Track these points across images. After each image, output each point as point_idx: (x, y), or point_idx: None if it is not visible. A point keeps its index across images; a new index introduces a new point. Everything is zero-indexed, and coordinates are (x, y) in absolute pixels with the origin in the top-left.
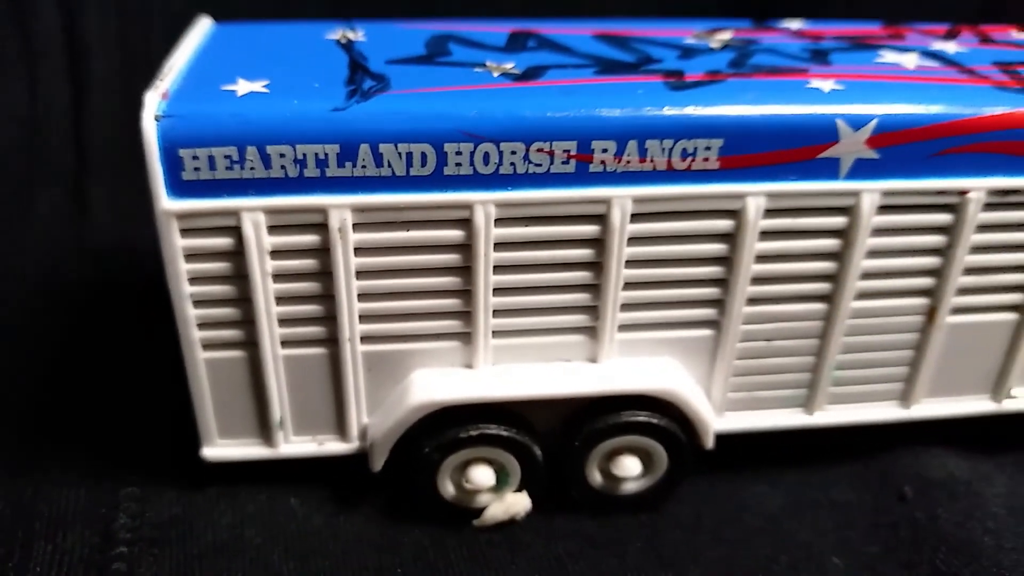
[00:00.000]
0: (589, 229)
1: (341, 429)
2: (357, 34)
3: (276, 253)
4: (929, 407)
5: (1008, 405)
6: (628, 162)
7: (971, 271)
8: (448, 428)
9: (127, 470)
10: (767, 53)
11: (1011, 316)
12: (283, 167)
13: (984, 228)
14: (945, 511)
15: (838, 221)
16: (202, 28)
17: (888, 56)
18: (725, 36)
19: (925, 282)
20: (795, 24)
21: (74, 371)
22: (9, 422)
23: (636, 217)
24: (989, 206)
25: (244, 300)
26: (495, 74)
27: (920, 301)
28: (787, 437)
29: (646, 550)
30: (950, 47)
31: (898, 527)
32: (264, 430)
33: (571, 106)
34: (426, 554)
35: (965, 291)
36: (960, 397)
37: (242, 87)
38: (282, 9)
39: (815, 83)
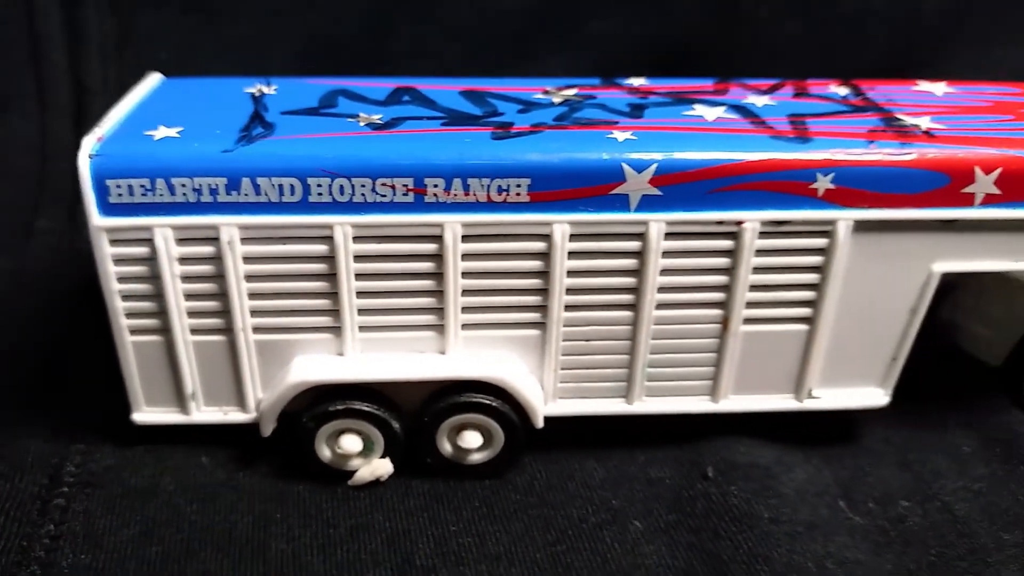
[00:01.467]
0: (430, 247)
1: (241, 402)
2: (270, 88)
3: (183, 260)
4: (736, 402)
5: (809, 404)
6: (455, 195)
7: (756, 288)
8: (322, 403)
9: (77, 429)
10: (594, 108)
11: (802, 327)
12: (184, 194)
13: (763, 252)
14: (738, 489)
15: (634, 245)
16: (150, 82)
17: (698, 109)
18: (569, 92)
19: (718, 296)
20: (637, 81)
21: (44, 350)
22: None
23: (467, 238)
24: (764, 234)
25: (159, 296)
26: (361, 124)
27: (715, 312)
28: (625, 422)
29: (480, 507)
30: (760, 100)
31: (696, 500)
32: (180, 401)
33: (411, 151)
34: (305, 504)
35: (754, 304)
36: (765, 395)
37: (160, 132)
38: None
39: (615, 134)
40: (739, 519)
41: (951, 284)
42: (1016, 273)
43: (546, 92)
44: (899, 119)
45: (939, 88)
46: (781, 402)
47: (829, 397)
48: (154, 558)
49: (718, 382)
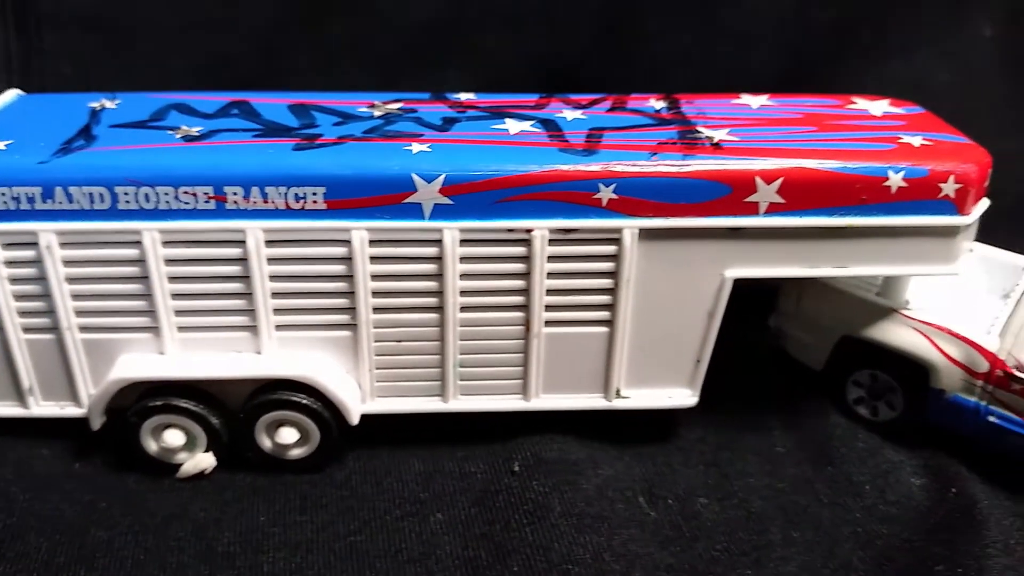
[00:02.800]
0: (235, 251)
1: (75, 397)
2: (113, 103)
3: (8, 263)
4: (547, 401)
5: (619, 403)
6: (255, 202)
7: (554, 292)
8: (144, 399)
9: None
10: (408, 121)
11: (602, 329)
12: (4, 202)
13: (555, 259)
14: (539, 484)
15: (432, 251)
16: (4, 98)
17: (507, 123)
18: (393, 107)
19: (518, 300)
20: (465, 96)
21: None
22: None
23: (270, 243)
24: (554, 241)
25: (28, 296)
26: (178, 136)
27: (518, 315)
28: (452, 420)
29: (295, 500)
30: (572, 115)
31: (499, 494)
32: (19, 395)
33: (213, 161)
34: (131, 495)
35: (553, 308)
36: (575, 394)
37: None
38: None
39: (413, 146)
40: (532, 512)
41: (775, 290)
42: (826, 279)
43: (372, 106)
44: (697, 132)
45: (757, 101)
46: (591, 401)
47: (638, 397)
48: None
49: (527, 382)
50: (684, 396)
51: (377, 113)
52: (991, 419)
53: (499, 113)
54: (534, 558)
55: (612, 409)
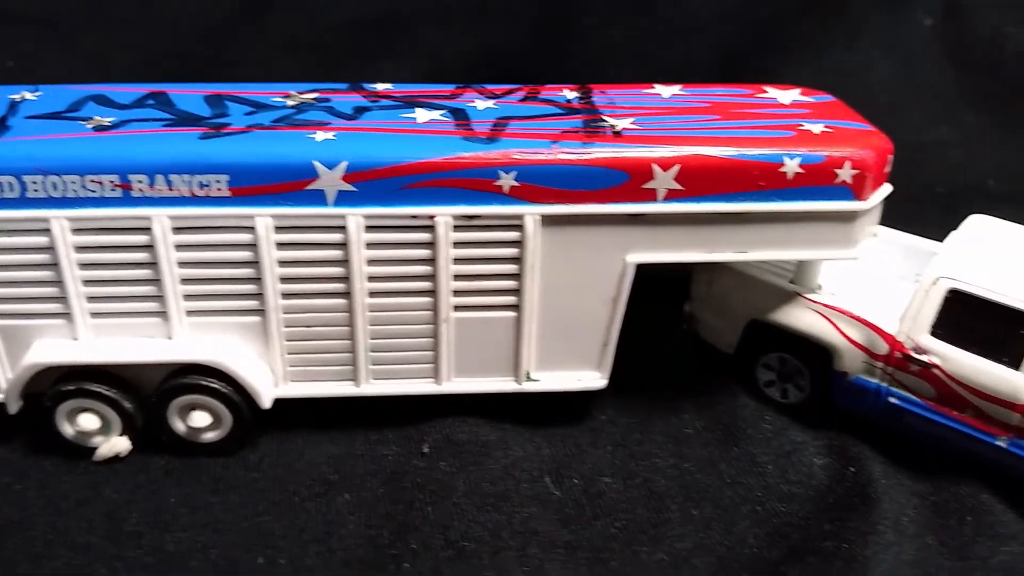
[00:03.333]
0: (142, 238)
1: None
2: (34, 95)
3: None
4: (459, 384)
5: (529, 386)
6: (160, 190)
7: (461, 277)
8: (59, 384)
9: None
10: (319, 111)
11: (510, 314)
12: None
13: (460, 244)
14: (447, 464)
15: (338, 237)
16: None
17: (417, 113)
18: (308, 97)
19: (426, 285)
20: (382, 86)
21: None
22: None
23: (176, 230)
24: (459, 227)
25: None
26: (89, 126)
27: (426, 300)
28: (371, 403)
29: (207, 482)
30: (483, 104)
31: (407, 475)
32: None
33: (119, 150)
34: (47, 478)
35: (461, 293)
36: (486, 377)
37: None
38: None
39: (317, 135)
40: (436, 491)
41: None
42: (734, 264)
43: (287, 96)
44: (601, 121)
45: (669, 91)
46: (502, 384)
47: (548, 380)
48: None
49: (438, 366)
50: (593, 379)
51: (290, 103)
52: (891, 400)
53: (411, 103)
54: (433, 536)
55: (523, 392)
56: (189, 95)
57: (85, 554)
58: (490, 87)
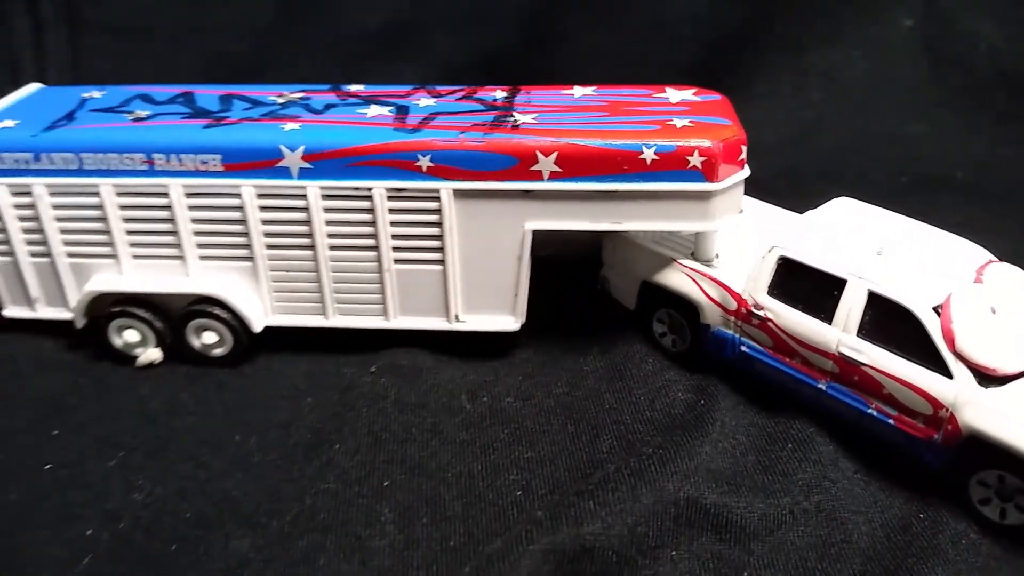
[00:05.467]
0: (164, 200)
1: (66, 304)
2: (99, 94)
3: (16, 207)
4: (403, 322)
5: (458, 326)
6: (174, 165)
7: (396, 237)
8: (110, 307)
9: None
10: (298, 107)
11: (437, 268)
12: (10, 163)
13: (394, 212)
14: (387, 381)
15: (302, 203)
16: (29, 88)
17: (370, 109)
18: (295, 96)
19: (371, 242)
20: (355, 87)
21: None
22: None
23: (188, 195)
24: (391, 198)
25: (5, 231)
26: (130, 118)
27: (372, 254)
28: (338, 333)
29: (212, 383)
30: (424, 102)
31: (356, 388)
32: (29, 302)
33: (146, 136)
34: (103, 375)
35: (398, 249)
36: (424, 317)
37: (4, 123)
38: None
39: (287, 126)
40: (372, 400)
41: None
42: (628, 233)
43: (280, 95)
44: (508, 117)
45: (582, 92)
46: (437, 323)
47: (472, 321)
48: None
49: (386, 306)
50: (508, 322)
51: (280, 101)
52: (742, 348)
53: (370, 100)
54: (360, 430)
55: (452, 330)
56: (207, 94)
57: (116, 425)
58: (440, 88)
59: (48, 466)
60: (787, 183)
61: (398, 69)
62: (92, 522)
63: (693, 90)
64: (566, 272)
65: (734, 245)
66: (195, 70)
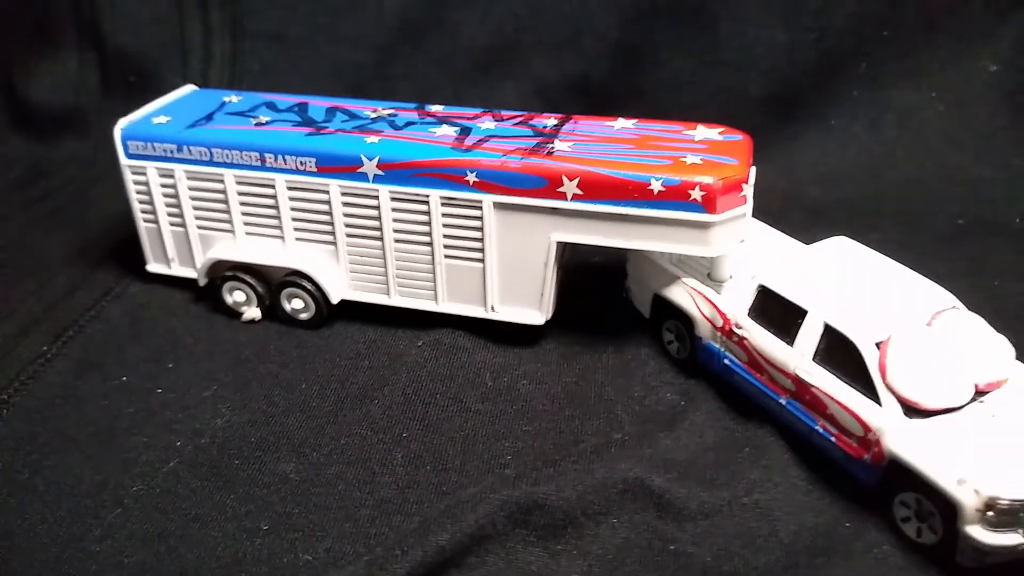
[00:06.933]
0: (271, 190)
1: (194, 266)
2: (236, 99)
3: (162, 186)
4: (449, 307)
5: (493, 315)
6: (280, 164)
7: (447, 236)
8: (225, 271)
9: (125, 271)
10: (383, 123)
11: (478, 264)
12: (159, 151)
13: (446, 216)
14: (428, 354)
15: (375, 202)
16: (184, 89)
17: (440, 128)
18: (385, 112)
19: (426, 239)
20: (435, 108)
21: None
22: None
23: (289, 188)
24: (444, 204)
25: (151, 202)
26: (252, 122)
27: (427, 248)
28: (398, 311)
29: (295, 341)
30: (486, 125)
31: (403, 357)
32: (167, 261)
33: (262, 138)
34: (216, 325)
35: (448, 247)
36: (466, 305)
37: (159, 119)
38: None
39: (370, 139)
40: (412, 367)
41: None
42: (644, 252)
43: (375, 111)
44: (549, 144)
45: (621, 124)
46: (476, 311)
47: (505, 312)
48: (123, 330)
49: (436, 292)
50: (535, 316)
51: (372, 116)
52: (725, 361)
53: (442, 120)
54: (396, 391)
55: (488, 318)
56: (317, 106)
57: (215, 364)
58: (504, 112)
59: (159, 390)
60: (845, 213)
61: (500, 85)
62: (182, 436)
63: (720, 129)
64: (598, 280)
65: (739, 270)
66: (326, 75)
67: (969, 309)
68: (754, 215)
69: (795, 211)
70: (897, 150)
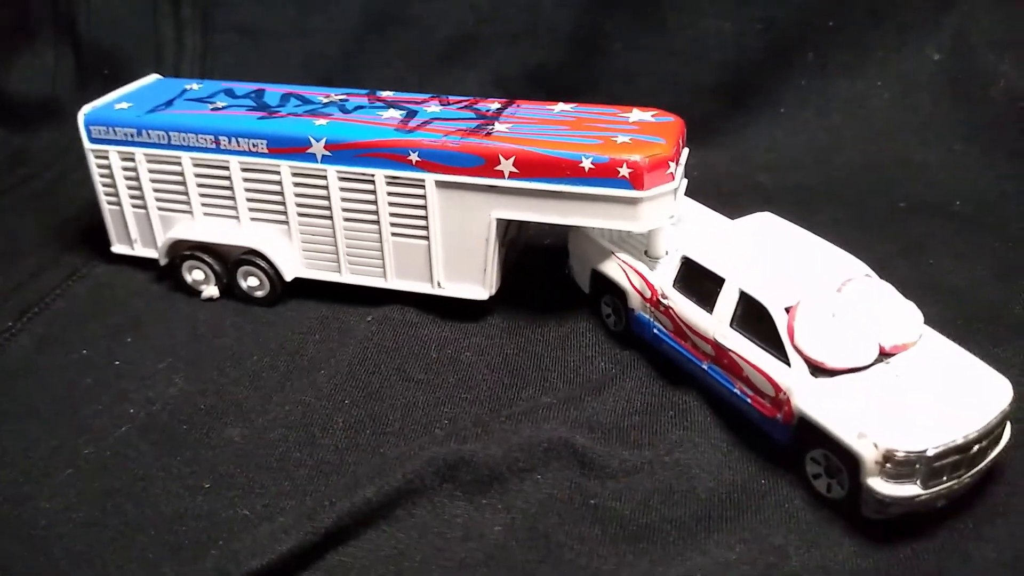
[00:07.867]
0: (225, 172)
1: (155, 245)
2: (197, 86)
3: (123, 168)
4: (397, 283)
5: (439, 291)
6: (233, 146)
7: (393, 215)
8: (184, 251)
9: (94, 252)
10: (334, 107)
11: (423, 242)
12: (121, 135)
13: (391, 194)
14: (376, 328)
15: (324, 182)
16: (149, 78)
17: (388, 112)
18: (336, 97)
19: (374, 217)
20: (386, 93)
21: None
22: None
23: (243, 169)
24: (388, 183)
25: (114, 185)
26: (210, 107)
27: (375, 226)
28: (348, 288)
29: (252, 317)
30: (432, 108)
31: (352, 331)
32: (130, 242)
33: (216, 122)
34: (175, 303)
35: (394, 225)
36: (413, 281)
37: (121, 105)
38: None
39: (319, 121)
40: (360, 341)
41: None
42: (582, 228)
43: (327, 96)
44: (488, 126)
45: (560, 107)
46: (423, 287)
47: (451, 288)
48: (87, 308)
49: (385, 269)
50: (479, 292)
51: (324, 101)
52: (654, 330)
53: (390, 104)
54: (342, 362)
55: (434, 294)
56: (273, 92)
57: (172, 339)
58: (450, 98)
59: (116, 362)
60: (795, 197)
61: (462, 75)
62: (136, 404)
63: (653, 111)
64: (544, 260)
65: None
66: (296, 67)
67: (907, 286)
68: (706, 200)
69: (746, 195)
70: (844, 136)
